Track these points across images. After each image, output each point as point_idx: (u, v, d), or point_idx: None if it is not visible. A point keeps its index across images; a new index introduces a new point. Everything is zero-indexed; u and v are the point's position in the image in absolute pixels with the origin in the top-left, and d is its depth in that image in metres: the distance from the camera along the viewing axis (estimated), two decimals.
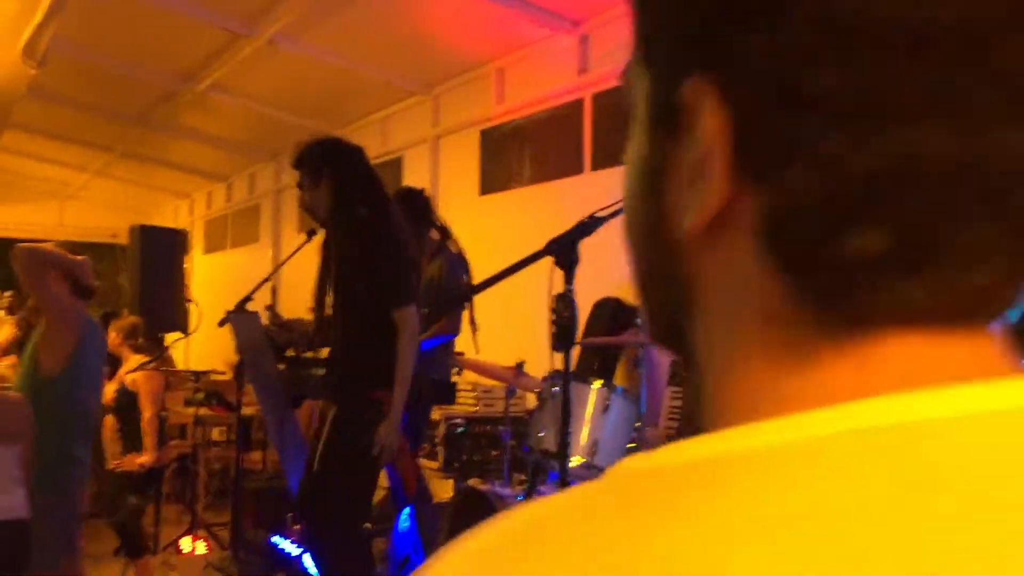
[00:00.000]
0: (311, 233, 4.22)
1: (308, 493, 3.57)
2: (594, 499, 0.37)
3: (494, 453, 5.60)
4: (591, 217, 2.16)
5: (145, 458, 5.15)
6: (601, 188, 5.46)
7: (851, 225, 0.37)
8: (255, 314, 4.27)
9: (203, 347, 9.42)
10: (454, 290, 4.07)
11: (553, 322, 2.07)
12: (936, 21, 0.35)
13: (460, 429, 5.31)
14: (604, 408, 3.09)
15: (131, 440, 5.01)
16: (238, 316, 4.21)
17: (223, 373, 7.34)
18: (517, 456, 4.14)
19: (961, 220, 0.36)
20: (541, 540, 0.36)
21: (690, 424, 4.59)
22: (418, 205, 4.63)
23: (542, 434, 3.15)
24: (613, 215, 2.19)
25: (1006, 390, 0.36)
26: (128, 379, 5.21)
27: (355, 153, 3.56)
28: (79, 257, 3.67)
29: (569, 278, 2.10)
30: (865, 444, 0.34)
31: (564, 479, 2.06)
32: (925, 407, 0.35)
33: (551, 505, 0.38)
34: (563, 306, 2.05)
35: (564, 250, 2.11)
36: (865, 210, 0.37)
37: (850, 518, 0.32)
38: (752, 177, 0.39)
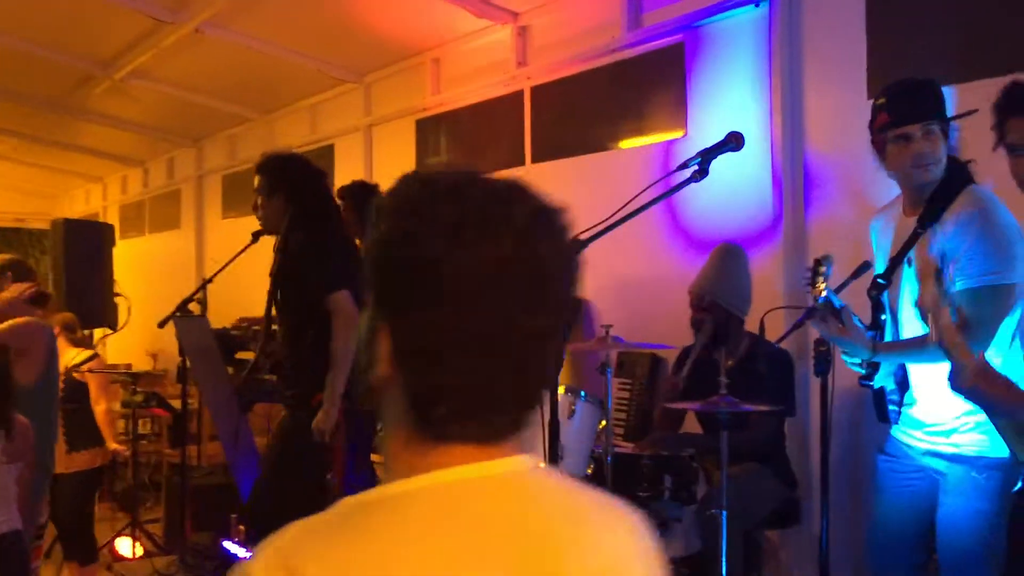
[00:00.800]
0: (257, 235, 4.17)
1: (259, 498, 3.61)
2: (336, 517, 0.92)
3: None
4: (573, 240, 2.18)
5: (114, 446, 5.02)
6: (542, 182, 5.47)
7: (432, 402, 0.93)
8: (203, 318, 4.19)
9: (123, 337, 9.17)
10: None
11: None
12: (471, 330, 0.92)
13: None
14: (569, 413, 3.14)
15: (75, 436, 4.81)
16: (185, 320, 4.12)
17: (161, 374, 7.19)
18: None
19: (471, 409, 0.94)
20: (314, 535, 0.90)
21: (639, 413, 4.70)
22: (369, 200, 4.61)
23: None
24: (595, 236, 2.22)
25: (499, 464, 0.95)
26: (75, 374, 5.04)
27: (314, 178, 3.62)
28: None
29: None
30: (437, 491, 0.93)
31: None
32: (463, 473, 0.93)
33: (317, 519, 0.92)
34: None
35: None
36: (437, 398, 0.93)
37: (431, 522, 0.90)
38: (398, 369, 0.94)
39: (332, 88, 7.22)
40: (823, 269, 2.59)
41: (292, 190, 3.66)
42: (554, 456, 2.11)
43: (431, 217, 0.92)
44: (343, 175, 6.55)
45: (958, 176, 2.59)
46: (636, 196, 2.35)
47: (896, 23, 3.77)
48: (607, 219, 2.27)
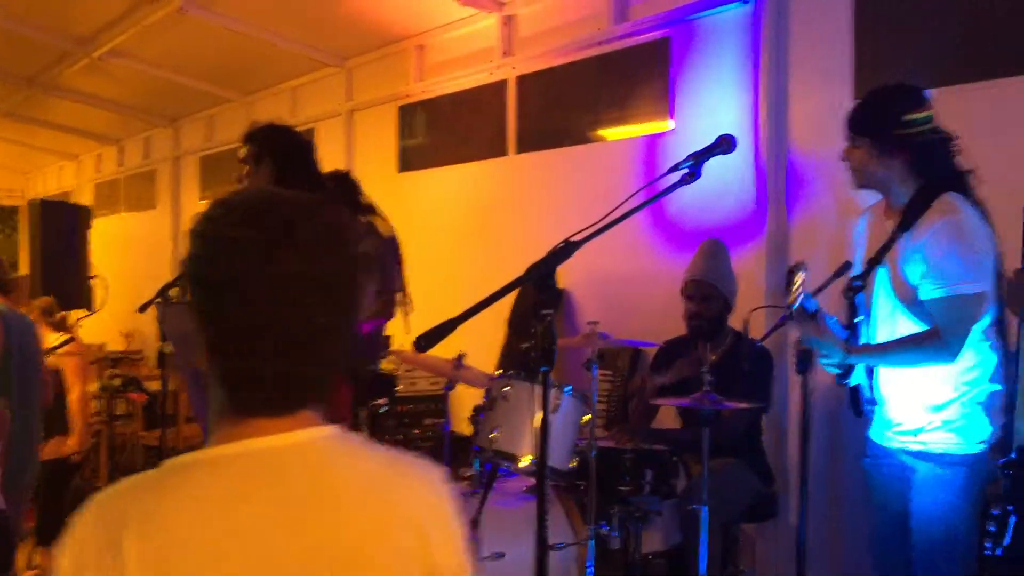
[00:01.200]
0: None
1: None
2: (152, 477, 1.12)
3: (416, 432, 5.66)
4: (566, 242, 2.19)
5: (72, 441, 4.94)
6: (526, 172, 5.50)
7: (237, 385, 1.15)
8: (185, 304, 4.16)
9: (95, 317, 9.10)
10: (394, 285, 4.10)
11: (532, 346, 2.11)
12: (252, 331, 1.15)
13: (383, 409, 5.33)
14: (554, 408, 3.16)
15: (52, 423, 4.75)
16: (168, 306, 4.09)
17: (139, 356, 7.15)
18: (441, 439, 4.20)
19: (270, 389, 1.15)
20: (127, 494, 1.11)
21: (620, 404, 4.74)
22: (344, 188, 4.58)
23: (494, 433, 3.20)
24: (588, 239, 2.23)
25: (298, 434, 1.17)
26: (50, 358, 4.96)
27: (302, 147, 3.51)
28: None
29: (548, 303, 2.14)
30: (243, 456, 1.14)
31: (542, 484, 2.13)
32: (258, 444, 1.15)
33: (143, 476, 1.13)
34: (543, 330, 2.09)
35: (544, 276, 2.14)
36: (241, 381, 1.15)
37: (236, 483, 1.12)
38: (211, 359, 1.17)
39: (314, 71, 7.18)
40: (798, 277, 2.62)
41: (281, 160, 3.52)
42: (544, 447, 2.12)
43: (226, 240, 1.13)
44: (324, 160, 6.48)
45: (934, 184, 2.64)
46: (627, 199, 2.36)
47: (883, 25, 3.80)
48: (599, 221, 2.27)
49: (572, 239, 2.22)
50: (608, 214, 2.32)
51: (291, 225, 1.14)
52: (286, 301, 1.12)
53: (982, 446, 2.61)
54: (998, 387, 2.64)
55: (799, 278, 2.61)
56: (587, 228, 2.28)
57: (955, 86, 3.45)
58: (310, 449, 1.16)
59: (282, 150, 3.47)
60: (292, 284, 1.12)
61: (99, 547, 1.05)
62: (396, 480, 1.20)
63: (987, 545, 2.28)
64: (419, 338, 2.00)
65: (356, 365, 3.40)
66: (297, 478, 1.14)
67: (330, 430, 1.19)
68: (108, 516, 1.08)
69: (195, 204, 9.35)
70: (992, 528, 2.27)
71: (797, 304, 2.61)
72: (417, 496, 1.20)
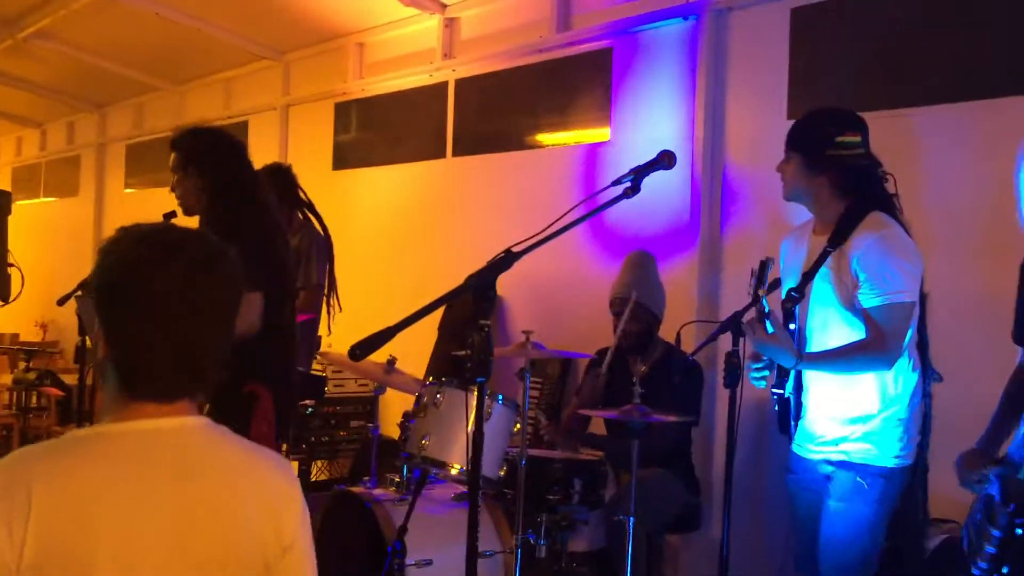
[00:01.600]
0: (168, 216, 4.02)
1: None
2: (58, 444, 1.39)
3: (342, 434, 5.59)
4: (507, 252, 2.18)
5: None
6: (463, 175, 5.48)
7: (127, 373, 1.41)
8: (88, 305, 4.03)
9: (10, 305, 8.80)
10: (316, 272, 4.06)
11: (468, 355, 2.10)
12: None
13: (309, 410, 5.26)
14: (486, 416, 3.14)
15: None
16: (87, 299, 3.97)
17: (56, 349, 6.91)
18: (368, 442, 4.15)
19: (153, 379, 1.41)
20: (37, 455, 1.36)
21: (552, 410, 4.74)
22: (283, 182, 4.50)
23: (425, 440, 3.17)
24: (529, 249, 2.22)
25: (175, 420, 1.42)
26: None
27: (233, 148, 3.39)
28: None
29: (485, 313, 2.12)
30: (130, 434, 1.39)
31: (475, 496, 2.11)
32: (144, 424, 1.40)
33: (43, 444, 1.41)
34: (480, 340, 2.08)
35: (483, 287, 2.12)
36: (130, 370, 1.41)
37: (123, 455, 1.37)
38: (107, 350, 1.42)
39: (249, 64, 7.05)
40: (769, 272, 2.66)
41: (211, 164, 3.36)
42: (477, 459, 2.11)
43: (120, 255, 1.39)
44: (257, 154, 6.35)
45: (863, 202, 2.71)
46: (569, 210, 2.36)
47: (818, 48, 3.89)
48: (540, 232, 2.27)
49: (513, 249, 2.21)
50: (549, 225, 2.31)
51: (176, 246, 1.40)
52: (168, 310, 1.37)
53: (897, 461, 2.67)
54: (917, 404, 2.72)
55: (772, 269, 2.64)
56: (528, 239, 2.27)
57: (884, 111, 3.54)
58: (181, 432, 1.42)
59: (211, 154, 3.35)
60: (173, 296, 1.37)
61: (5, 491, 1.27)
62: (253, 464, 1.47)
63: (983, 567, 2.25)
64: (354, 347, 1.97)
65: (276, 371, 3.30)
66: (168, 455, 1.39)
67: (200, 419, 1.45)
68: (18, 468, 1.31)
69: (120, 192, 9.10)
70: (992, 550, 2.23)
71: (764, 299, 2.63)
72: (270, 478, 1.47)
